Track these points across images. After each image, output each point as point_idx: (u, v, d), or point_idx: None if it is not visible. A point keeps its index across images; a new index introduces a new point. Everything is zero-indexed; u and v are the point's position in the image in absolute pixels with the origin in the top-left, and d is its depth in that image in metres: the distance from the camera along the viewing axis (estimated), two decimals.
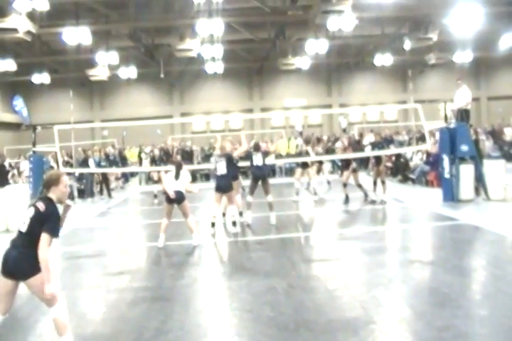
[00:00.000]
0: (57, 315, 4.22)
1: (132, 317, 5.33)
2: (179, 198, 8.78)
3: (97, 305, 5.96)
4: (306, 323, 4.81)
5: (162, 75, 27.57)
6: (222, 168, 9.78)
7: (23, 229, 4.16)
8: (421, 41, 22.11)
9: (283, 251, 8.08)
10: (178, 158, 13.74)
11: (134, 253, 8.74)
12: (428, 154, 16.11)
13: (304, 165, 14.22)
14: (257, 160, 10.39)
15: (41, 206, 4.18)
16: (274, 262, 7.39)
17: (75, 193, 17.08)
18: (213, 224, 9.77)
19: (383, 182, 12.87)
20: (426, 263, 7.03)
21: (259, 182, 10.42)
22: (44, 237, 4.07)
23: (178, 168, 9.03)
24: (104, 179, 17.98)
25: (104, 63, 25.07)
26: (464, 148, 11.96)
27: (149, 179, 22.21)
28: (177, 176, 8.90)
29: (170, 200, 8.83)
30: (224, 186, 9.75)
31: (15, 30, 17.20)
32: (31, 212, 4.18)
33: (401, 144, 22.50)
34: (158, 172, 14.85)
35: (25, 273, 4.13)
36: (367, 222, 10.61)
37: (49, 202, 4.21)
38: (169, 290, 6.23)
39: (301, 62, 25.81)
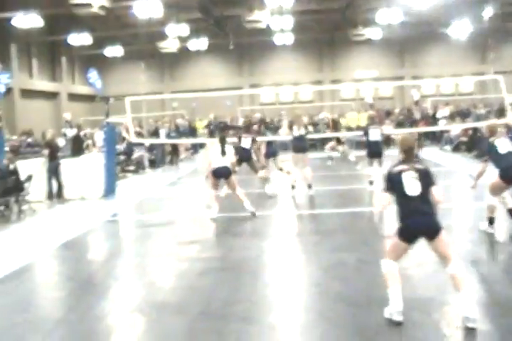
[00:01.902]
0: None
1: (201, 287, 5.38)
2: (226, 174, 8.75)
3: (167, 273, 6.08)
4: (377, 300, 4.66)
5: (231, 47, 27.49)
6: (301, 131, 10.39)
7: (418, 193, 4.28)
8: (505, 6, 20.75)
9: (353, 225, 7.92)
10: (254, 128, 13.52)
11: (203, 223, 8.83)
12: (508, 129, 15.23)
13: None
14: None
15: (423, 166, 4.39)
16: (344, 236, 7.26)
17: (146, 163, 17.49)
18: (293, 187, 10.33)
19: None
20: (504, 244, 6.69)
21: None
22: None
23: (223, 142, 8.96)
24: (174, 150, 18.29)
25: (175, 35, 25.27)
26: None
27: None
28: (223, 152, 8.84)
29: (216, 175, 8.83)
30: (303, 147, 10.47)
31: (89, 5, 17.66)
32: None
33: (478, 118, 21.45)
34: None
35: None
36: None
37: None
38: (237, 261, 6.25)
39: (372, 32, 24.97)
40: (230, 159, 8.90)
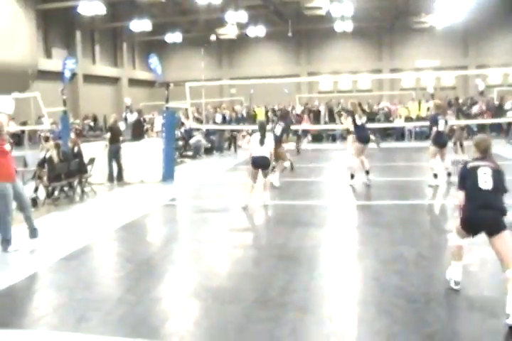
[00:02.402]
0: None
1: (257, 274, 5.38)
2: (264, 164, 8.64)
3: (223, 259, 6.11)
4: (437, 297, 4.54)
5: (290, 34, 27.26)
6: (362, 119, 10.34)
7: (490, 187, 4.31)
8: None
9: (412, 218, 7.72)
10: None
11: (258, 211, 8.83)
12: None
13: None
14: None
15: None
16: (403, 229, 7.09)
17: (203, 149, 17.64)
18: (352, 176, 10.27)
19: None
20: None
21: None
22: None
23: (262, 130, 8.74)
24: (232, 136, 18.35)
25: (233, 22, 25.29)
26: None
27: None
28: (262, 141, 8.65)
29: (255, 166, 8.70)
30: (368, 136, 10.53)
31: None
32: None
33: None
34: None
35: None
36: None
37: None
38: (294, 250, 6.20)
39: (435, 20, 24.11)
40: (268, 148, 8.68)
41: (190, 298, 4.84)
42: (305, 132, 21.17)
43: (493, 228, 4.26)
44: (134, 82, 32.57)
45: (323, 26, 28.17)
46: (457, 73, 30.47)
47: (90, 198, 10.17)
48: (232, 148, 18.46)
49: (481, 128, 18.71)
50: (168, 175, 12.04)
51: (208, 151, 17.98)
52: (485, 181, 4.32)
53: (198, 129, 17.40)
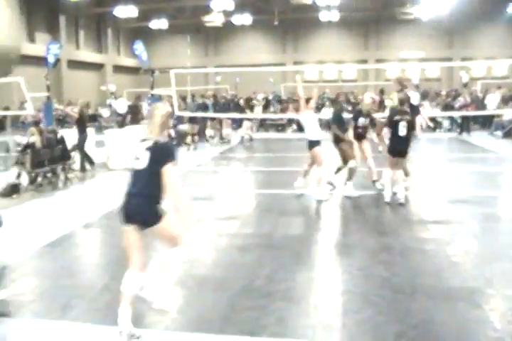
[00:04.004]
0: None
1: (243, 263, 5.38)
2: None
3: (208, 248, 6.09)
4: (423, 288, 4.58)
5: (276, 22, 27.12)
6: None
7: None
8: None
9: (397, 210, 7.75)
10: None
11: (243, 199, 8.82)
12: None
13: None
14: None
15: None
16: (389, 220, 7.14)
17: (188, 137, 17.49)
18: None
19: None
20: None
21: None
22: None
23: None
24: (219, 124, 18.12)
25: (220, 9, 25.08)
26: None
27: (261, 126, 22.29)
28: None
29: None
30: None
31: None
32: None
33: None
34: None
35: None
36: (486, 186, 9.86)
37: None
38: (280, 239, 6.21)
39: (420, 11, 24.15)
40: None
41: (175, 286, 4.83)
42: (290, 121, 21.18)
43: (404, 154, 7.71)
44: (118, 69, 32.19)
45: (310, 15, 28.05)
46: (442, 65, 30.63)
47: (74, 185, 10.07)
48: (218, 136, 18.27)
49: (465, 120, 18.85)
50: None
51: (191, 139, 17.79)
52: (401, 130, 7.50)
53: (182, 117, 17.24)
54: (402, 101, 8.06)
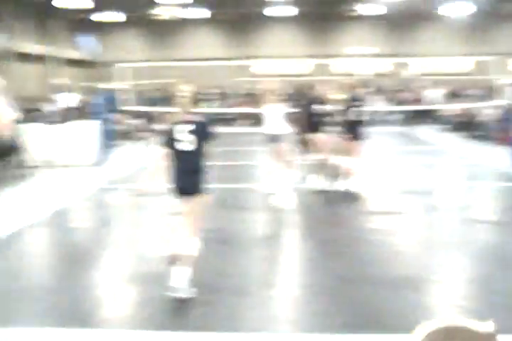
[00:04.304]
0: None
1: (194, 259, 5.41)
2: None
3: (157, 244, 6.10)
4: (367, 277, 4.76)
5: (228, 17, 27.09)
6: None
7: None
8: None
9: (345, 202, 7.98)
10: None
11: None
12: (500, 110, 15.26)
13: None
14: None
15: None
16: (338, 212, 7.33)
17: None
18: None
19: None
20: (493, 223, 6.78)
21: None
22: None
23: None
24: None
25: (172, 3, 24.87)
26: None
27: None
28: None
29: None
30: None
31: None
32: None
33: (474, 98, 21.42)
34: None
35: None
36: (429, 177, 10.25)
37: None
38: (231, 234, 6.29)
39: (370, 8, 24.72)
40: None
41: (125, 283, 4.83)
42: (241, 115, 21.29)
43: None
44: (66, 62, 31.39)
45: (261, 10, 28.15)
46: (389, 61, 31.33)
47: (23, 181, 9.85)
48: None
49: (412, 114, 19.45)
50: (104, 158, 11.81)
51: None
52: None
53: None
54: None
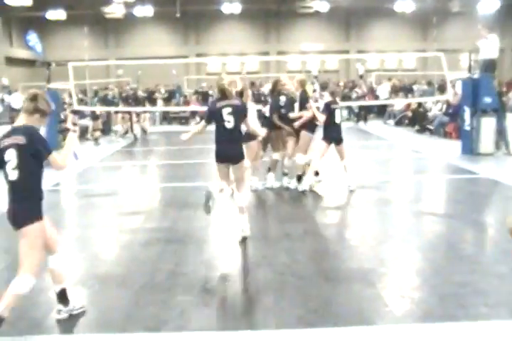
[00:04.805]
0: None
1: (145, 259, 5.30)
2: None
3: (110, 245, 5.96)
4: (322, 272, 4.76)
5: (178, 15, 26.82)
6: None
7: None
8: None
9: (298, 198, 7.98)
10: None
11: (147, 194, 8.71)
12: (448, 105, 15.69)
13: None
14: None
15: None
16: (290, 208, 7.32)
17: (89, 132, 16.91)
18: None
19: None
20: (443, 216, 6.92)
21: None
22: None
23: None
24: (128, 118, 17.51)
25: (120, 0, 24.42)
26: (487, 100, 11.55)
27: (164, 119, 22.01)
28: None
29: None
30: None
31: None
32: None
33: (420, 94, 21.98)
34: None
35: None
36: (381, 171, 10.41)
37: None
38: (183, 233, 6.19)
39: (320, 5, 24.95)
40: None
41: (76, 286, 4.67)
42: (193, 113, 21.10)
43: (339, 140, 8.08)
44: (11, 61, 30.38)
45: (212, 8, 28.00)
46: (340, 57, 31.77)
47: None
48: (129, 130, 17.58)
49: (362, 110, 19.74)
50: None
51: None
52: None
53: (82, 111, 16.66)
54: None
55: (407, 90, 21.93)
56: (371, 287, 4.38)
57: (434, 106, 17.13)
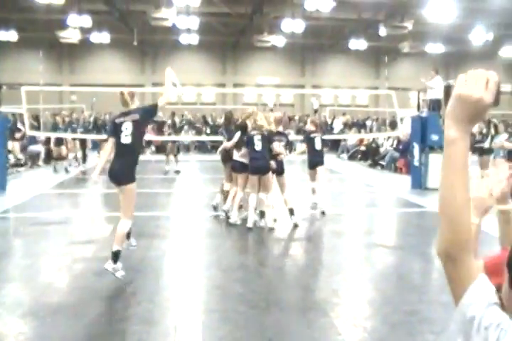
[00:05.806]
0: None
1: (100, 288, 5.24)
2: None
3: (63, 274, 5.85)
4: (276, 302, 4.83)
5: (135, 43, 26.95)
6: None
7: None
8: (396, 29, 22.20)
9: (253, 229, 8.04)
10: None
11: (100, 222, 8.62)
12: (398, 141, 16.29)
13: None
14: None
15: None
16: (245, 239, 7.39)
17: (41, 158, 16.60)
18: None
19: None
20: (393, 248, 7.16)
21: None
22: None
23: None
24: (82, 145, 17.20)
25: (76, 26, 24.31)
26: (434, 137, 12.09)
27: None
28: None
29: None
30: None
31: None
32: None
33: (371, 129, 22.71)
34: None
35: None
36: (333, 204, 10.62)
37: None
38: (138, 262, 6.15)
39: (277, 40, 25.61)
40: None
41: (25, 316, 4.55)
42: (148, 143, 21.01)
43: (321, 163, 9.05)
44: None
45: (169, 37, 28.27)
46: (295, 91, 32.53)
47: None
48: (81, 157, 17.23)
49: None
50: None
51: (46, 160, 16.89)
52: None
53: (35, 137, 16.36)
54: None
55: (359, 126, 22.61)
56: (325, 316, 4.48)
57: (386, 142, 17.73)
